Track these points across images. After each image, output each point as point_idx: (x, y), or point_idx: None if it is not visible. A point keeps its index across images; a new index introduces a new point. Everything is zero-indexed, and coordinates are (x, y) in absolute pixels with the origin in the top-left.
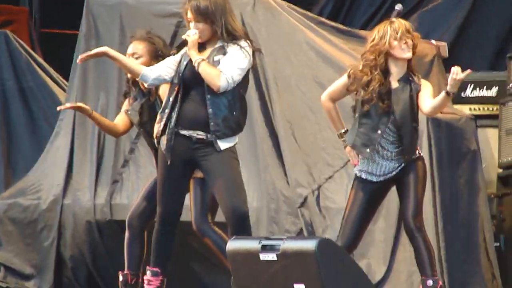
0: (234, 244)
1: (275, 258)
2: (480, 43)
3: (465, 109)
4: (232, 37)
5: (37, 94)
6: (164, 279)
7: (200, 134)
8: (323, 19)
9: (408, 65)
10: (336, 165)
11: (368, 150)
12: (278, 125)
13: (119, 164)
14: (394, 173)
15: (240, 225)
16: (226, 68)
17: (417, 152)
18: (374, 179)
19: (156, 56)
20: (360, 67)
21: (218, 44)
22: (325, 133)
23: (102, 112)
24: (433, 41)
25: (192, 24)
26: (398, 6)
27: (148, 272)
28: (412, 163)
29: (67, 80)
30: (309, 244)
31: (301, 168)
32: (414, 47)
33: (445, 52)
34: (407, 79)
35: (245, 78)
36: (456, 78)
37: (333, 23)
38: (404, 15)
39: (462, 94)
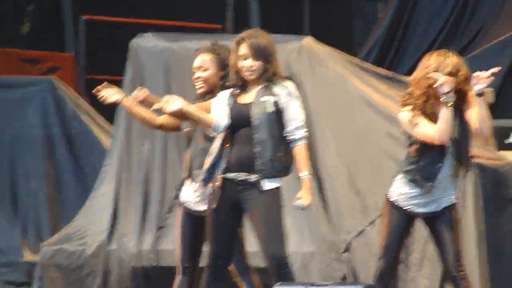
0: None
1: None
2: None
3: (510, 156)
4: (276, 78)
5: (82, 140)
6: None
7: (243, 175)
8: (368, 65)
9: None
10: (381, 209)
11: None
12: (324, 171)
13: (165, 209)
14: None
15: (279, 271)
16: (300, 126)
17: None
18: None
19: (223, 66)
20: (417, 93)
21: (262, 84)
22: (369, 178)
23: (147, 157)
24: None
25: (248, 62)
26: None
27: None
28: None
29: (112, 125)
30: None
31: (346, 214)
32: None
33: (491, 98)
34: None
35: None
36: (479, 77)
37: (377, 69)
38: None
39: (506, 141)
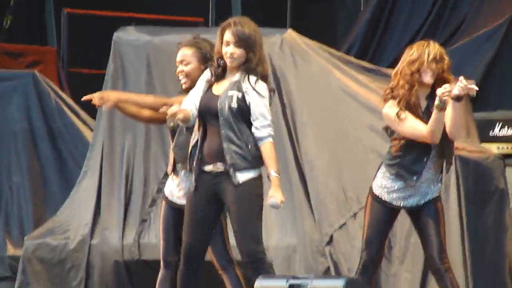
0: (261, 283)
1: None
2: (508, 81)
3: (493, 148)
4: (255, 73)
5: (65, 134)
6: None
7: (219, 168)
8: (350, 58)
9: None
10: (363, 201)
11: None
12: (306, 163)
13: (147, 203)
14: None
15: (252, 266)
16: (265, 116)
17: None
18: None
19: (205, 60)
20: (400, 83)
21: (235, 77)
22: (352, 172)
23: (129, 151)
24: (460, 78)
25: (229, 48)
26: None
27: None
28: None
29: (95, 119)
30: (337, 284)
31: (328, 206)
32: (441, 73)
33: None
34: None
35: None
36: (462, 83)
37: (360, 62)
38: None
39: (490, 133)
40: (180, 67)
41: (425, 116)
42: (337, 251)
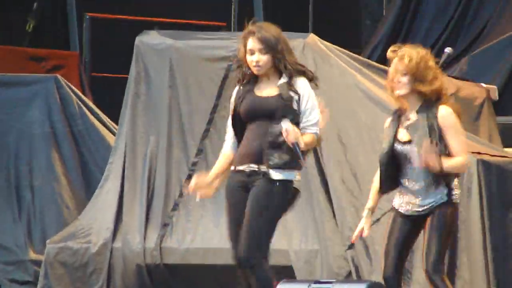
0: (284, 287)
1: None
2: None
3: None
4: (294, 72)
5: (87, 138)
6: None
7: (252, 167)
8: (372, 62)
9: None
10: (384, 207)
11: None
12: (327, 167)
13: (169, 207)
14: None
15: (248, 271)
16: (315, 124)
17: None
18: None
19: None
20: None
21: (282, 80)
22: (371, 177)
23: (152, 155)
24: (483, 85)
25: (255, 56)
26: (448, 49)
27: None
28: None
29: (117, 123)
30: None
31: (349, 211)
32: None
33: (495, 95)
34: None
35: None
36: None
37: (382, 66)
38: (454, 58)
39: None
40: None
41: (410, 130)
42: (358, 256)
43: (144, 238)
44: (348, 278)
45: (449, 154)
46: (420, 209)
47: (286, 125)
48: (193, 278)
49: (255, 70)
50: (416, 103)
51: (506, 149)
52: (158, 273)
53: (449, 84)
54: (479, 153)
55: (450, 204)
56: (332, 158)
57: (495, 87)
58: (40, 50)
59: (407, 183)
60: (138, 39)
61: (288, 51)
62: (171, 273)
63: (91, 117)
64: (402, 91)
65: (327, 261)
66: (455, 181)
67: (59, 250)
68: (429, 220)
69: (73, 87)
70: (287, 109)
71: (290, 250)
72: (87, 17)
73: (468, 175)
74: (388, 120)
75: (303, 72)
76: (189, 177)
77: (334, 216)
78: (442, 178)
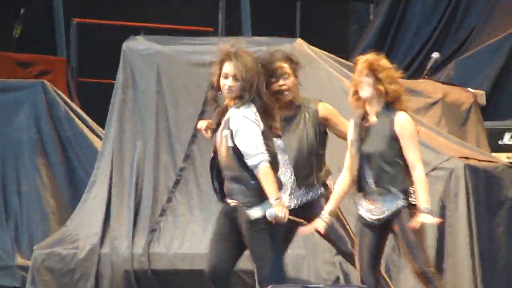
0: None
1: None
2: None
3: (503, 157)
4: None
5: (74, 143)
6: None
7: (234, 202)
8: None
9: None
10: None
11: None
12: None
13: (157, 213)
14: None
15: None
16: (247, 149)
17: None
18: None
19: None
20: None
21: (228, 114)
22: None
23: (139, 160)
24: (470, 89)
25: (228, 81)
26: (435, 54)
27: None
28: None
29: (103, 129)
30: None
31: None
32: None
33: (482, 100)
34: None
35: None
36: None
37: None
38: (441, 63)
39: (500, 142)
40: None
41: (369, 133)
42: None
43: (132, 244)
44: (336, 283)
45: (402, 160)
46: (381, 216)
47: (269, 215)
48: (181, 284)
49: (225, 93)
50: (376, 106)
51: (494, 154)
52: (146, 278)
53: (436, 89)
54: (466, 158)
55: (410, 206)
56: None
57: (482, 92)
58: (27, 55)
59: (366, 186)
60: (125, 45)
61: (258, 82)
62: (158, 279)
63: (79, 123)
64: (365, 92)
65: (315, 266)
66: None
67: (46, 256)
68: (397, 226)
69: (60, 93)
70: (224, 147)
71: None
72: (74, 22)
73: (455, 180)
74: (351, 123)
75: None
76: (177, 182)
77: None
78: (396, 185)
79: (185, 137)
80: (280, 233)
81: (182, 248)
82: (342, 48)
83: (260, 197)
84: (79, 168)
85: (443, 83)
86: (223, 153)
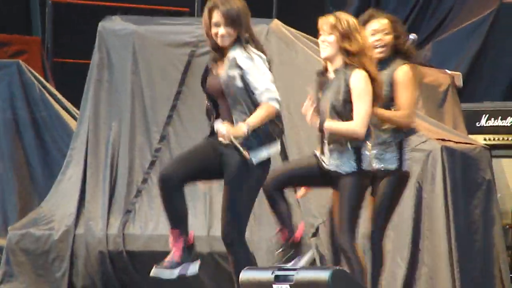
0: (246, 275)
1: None
2: (495, 73)
3: (480, 139)
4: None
5: (49, 124)
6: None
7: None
8: None
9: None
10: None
11: None
12: (291, 154)
13: (132, 194)
14: None
15: (229, 250)
16: (264, 91)
17: None
18: None
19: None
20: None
21: (231, 55)
22: None
23: (114, 141)
24: (447, 71)
25: (221, 29)
26: (412, 35)
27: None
28: None
29: (79, 109)
30: (323, 274)
31: (314, 198)
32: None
33: (459, 82)
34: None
35: None
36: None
37: None
38: (418, 44)
39: (477, 124)
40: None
41: (325, 89)
42: (324, 245)
43: (107, 225)
44: (312, 265)
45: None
46: (326, 165)
47: (217, 127)
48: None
49: (219, 42)
50: (337, 64)
51: (470, 136)
52: (120, 259)
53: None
54: (443, 139)
55: (361, 173)
56: (295, 145)
57: (459, 73)
58: (1, 35)
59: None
60: (101, 25)
61: (249, 25)
62: (133, 260)
63: (54, 103)
64: (324, 52)
65: None
66: (368, 149)
67: (21, 236)
68: (336, 193)
69: (36, 73)
70: (230, 88)
71: (251, 239)
72: (50, 2)
73: (432, 161)
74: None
75: (258, 49)
76: (152, 163)
77: (298, 203)
78: (344, 142)
79: (161, 118)
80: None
81: (157, 229)
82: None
83: (267, 141)
84: (54, 149)
85: (421, 64)
86: (231, 92)
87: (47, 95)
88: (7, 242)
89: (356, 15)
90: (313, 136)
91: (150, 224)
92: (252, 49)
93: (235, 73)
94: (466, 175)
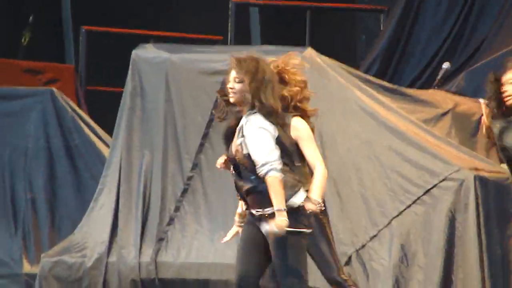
0: None
1: None
2: None
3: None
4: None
5: (83, 152)
6: None
7: (259, 211)
8: (370, 77)
9: None
10: (380, 223)
11: None
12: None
13: (165, 222)
14: None
15: None
16: (256, 159)
17: None
18: None
19: None
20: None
21: (242, 121)
22: (369, 191)
23: (147, 169)
24: (480, 100)
25: (230, 84)
26: (446, 65)
27: None
28: None
29: (112, 137)
30: None
31: (345, 226)
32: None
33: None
34: None
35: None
36: None
37: (380, 81)
38: (451, 74)
39: None
40: None
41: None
42: (356, 272)
43: (139, 253)
44: None
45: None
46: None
47: (270, 229)
48: None
49: (230, 98)
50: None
51: (503, 165)
52: (153, 287)
53: (447, 99)
54: (476, 169)
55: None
56: (328, 173)
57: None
58: (35, 63)
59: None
60: (134, 53)
61: (266, 85)
62: None
63: (87, 131)
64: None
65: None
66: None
67: (53, 264)
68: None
69: (69, 100)
70: (241, 159)
71: None
72: (83, 30)
73: (465, 191)
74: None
75: (268, 112)
76: (185, 191)
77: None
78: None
79: (193, 146)
80: (303, 241)
81: (189, 257)
82: (351, 59)
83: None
84: (87, 176)
85: (454, 93)
86: (242, 161)
87: (80, 122)
88: (40, 270)
89: (390, 43)
90: (344, 166)
91: (183, 251)
92: (261, 118)
93: (241, 141)
94: (499, 205)
